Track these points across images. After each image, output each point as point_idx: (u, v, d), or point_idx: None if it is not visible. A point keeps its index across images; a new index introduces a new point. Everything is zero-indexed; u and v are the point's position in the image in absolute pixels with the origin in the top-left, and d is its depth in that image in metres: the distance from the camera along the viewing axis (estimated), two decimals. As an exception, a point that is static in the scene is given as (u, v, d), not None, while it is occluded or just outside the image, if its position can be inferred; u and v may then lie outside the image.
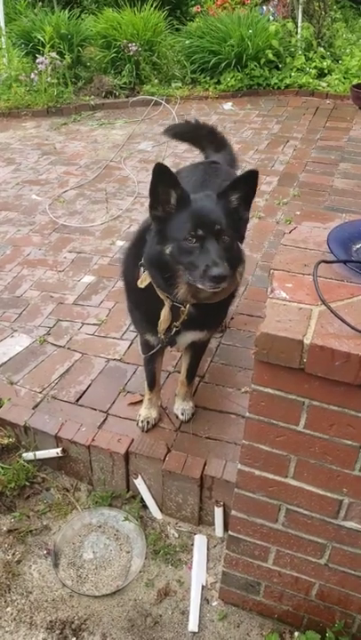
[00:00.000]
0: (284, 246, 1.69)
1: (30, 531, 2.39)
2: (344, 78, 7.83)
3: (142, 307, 2.24)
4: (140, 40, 7.73)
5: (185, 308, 2.05)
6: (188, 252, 1.86)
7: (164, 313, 2.08)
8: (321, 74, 8.02)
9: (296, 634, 1.99)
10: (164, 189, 1.87)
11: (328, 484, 1.59)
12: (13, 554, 2.30)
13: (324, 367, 1.35)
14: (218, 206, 1.93)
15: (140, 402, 2.63)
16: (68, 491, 2.55)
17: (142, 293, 2.09)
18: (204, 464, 2.33)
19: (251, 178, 1.92)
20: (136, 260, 2.12)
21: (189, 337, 2.24)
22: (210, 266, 1.80)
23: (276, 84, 7.84)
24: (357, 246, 1.65)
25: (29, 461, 2.56)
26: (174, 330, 2.13)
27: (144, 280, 2.06)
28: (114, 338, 3.14)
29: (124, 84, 7.73)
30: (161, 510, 2.46)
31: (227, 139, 3.28)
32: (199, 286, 1.87)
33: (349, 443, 1.48)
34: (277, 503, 1.70)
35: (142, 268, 2.07)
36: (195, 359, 2.49)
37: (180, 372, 2.64)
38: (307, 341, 1.34)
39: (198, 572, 2.22)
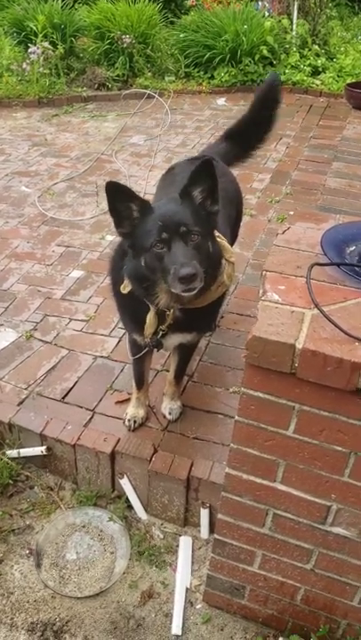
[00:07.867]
0: (276, 247, 1.66)
1: (13, 530, 2.35)
2: (338, 77, 7.79)
3: (128, 309, 2.22)
4: (133, 32, 7.64)
5: (170, 312, 2.02)
6: (159, 259, 1.82)
7: (150, 317, 2.05)
8: (315, 71, 7.97)
9: (280, 638, 1.97)
10: (123, 205, 1.84)
11: (316, 489, 1.57)
12: (-5, 553, 2.26)
13: (316, 372, 1.33)
14: (181, 206, 1.89)
15: (128, 400, 2.59)
16: (52, 489, 2.51)
17: (127, 296, 2.07)
18: (191, 465, 2.30)
19: (206, 168, 1.83)
20: (121, 262, 2.09)
21: (176, 339, 2.21)
22: (177, 267, 1.75)
23: (270, 80, 7.79)
24: (351, 248, 1.63)
25: (13, 459, 2.52)
26: (161, 333, 2.10)
27: (126, 287, 2.04)
28: (102, 334, 3.09)
29: (117, 76, 7.64)
30: (146, 511, 2.43)
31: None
32: (173, 291, 1.83)
33: (339, 449, 1.46)
34: (265, 507, 1.68)
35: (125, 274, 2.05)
36: (183, 359, 2.46)
37: (168, 371, 2.61)
38: (299, 346, 1.31)
39: (183, 574, 2.20)
